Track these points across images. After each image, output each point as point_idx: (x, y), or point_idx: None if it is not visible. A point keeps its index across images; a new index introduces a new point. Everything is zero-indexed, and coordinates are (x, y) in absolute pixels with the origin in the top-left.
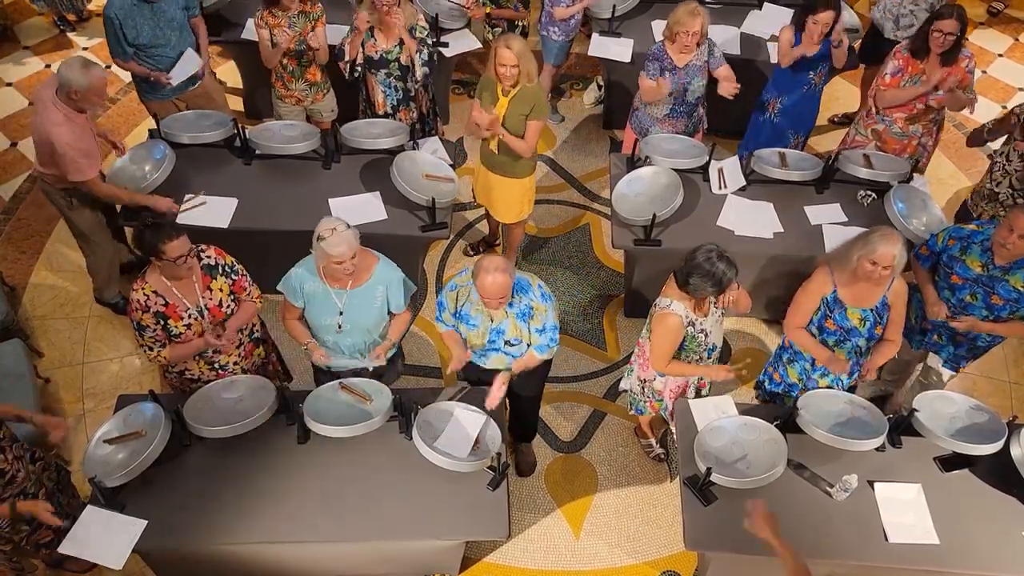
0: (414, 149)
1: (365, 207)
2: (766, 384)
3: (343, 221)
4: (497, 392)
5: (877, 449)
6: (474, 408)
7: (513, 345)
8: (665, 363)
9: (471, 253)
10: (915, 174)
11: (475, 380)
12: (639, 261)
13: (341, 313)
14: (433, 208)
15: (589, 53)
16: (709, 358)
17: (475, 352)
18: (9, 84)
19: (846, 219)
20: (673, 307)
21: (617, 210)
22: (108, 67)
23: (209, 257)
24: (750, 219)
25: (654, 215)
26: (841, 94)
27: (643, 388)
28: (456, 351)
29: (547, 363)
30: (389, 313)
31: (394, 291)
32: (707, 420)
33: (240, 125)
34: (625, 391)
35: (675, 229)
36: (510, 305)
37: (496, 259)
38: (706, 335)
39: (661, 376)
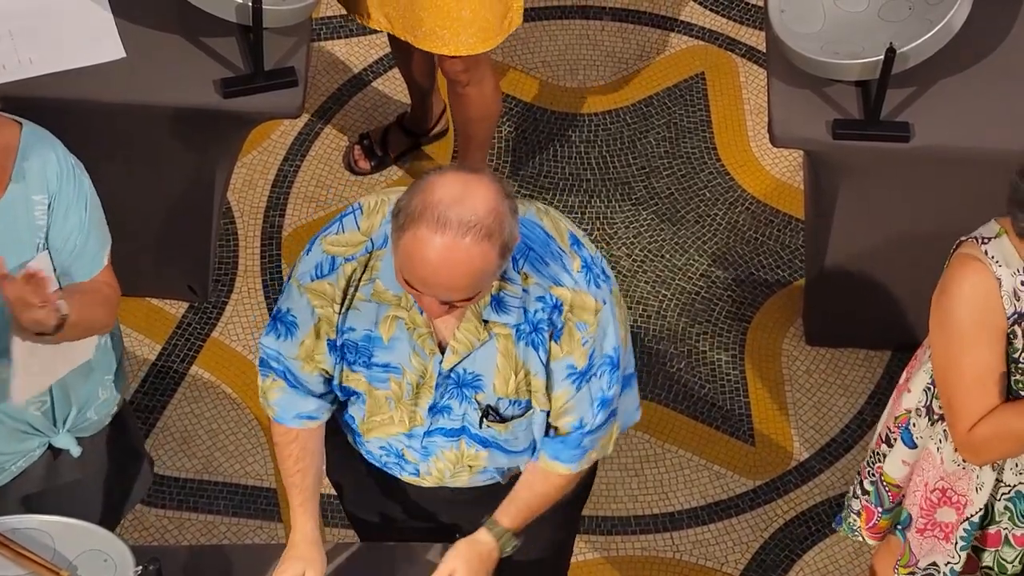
0: None
1: (62, 26)
2: None
3: None
4: None
5: None
6: None
7: (504, 419)
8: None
9: (362, 164)
10: None
11: (375, 522)
12: (846, 188)
13: None
14: (257, 30)
15: None
16: None
17: (395, 439)
18: None
19: None
20: (992, 252)
21: (784, 39)
22: None
23: None
24: None
25: (891, 51)
26: None
27: (876, 450)
28: (296, 518)
29: (583, 477)
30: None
31: (72, 212)
32: None
33: None
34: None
35: (949, 90)
36: (499, 303)
37: (459, 177)
38: None
39: (928, 423)
